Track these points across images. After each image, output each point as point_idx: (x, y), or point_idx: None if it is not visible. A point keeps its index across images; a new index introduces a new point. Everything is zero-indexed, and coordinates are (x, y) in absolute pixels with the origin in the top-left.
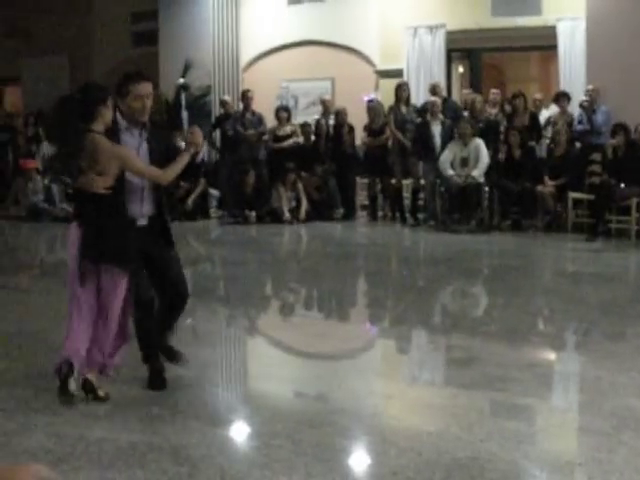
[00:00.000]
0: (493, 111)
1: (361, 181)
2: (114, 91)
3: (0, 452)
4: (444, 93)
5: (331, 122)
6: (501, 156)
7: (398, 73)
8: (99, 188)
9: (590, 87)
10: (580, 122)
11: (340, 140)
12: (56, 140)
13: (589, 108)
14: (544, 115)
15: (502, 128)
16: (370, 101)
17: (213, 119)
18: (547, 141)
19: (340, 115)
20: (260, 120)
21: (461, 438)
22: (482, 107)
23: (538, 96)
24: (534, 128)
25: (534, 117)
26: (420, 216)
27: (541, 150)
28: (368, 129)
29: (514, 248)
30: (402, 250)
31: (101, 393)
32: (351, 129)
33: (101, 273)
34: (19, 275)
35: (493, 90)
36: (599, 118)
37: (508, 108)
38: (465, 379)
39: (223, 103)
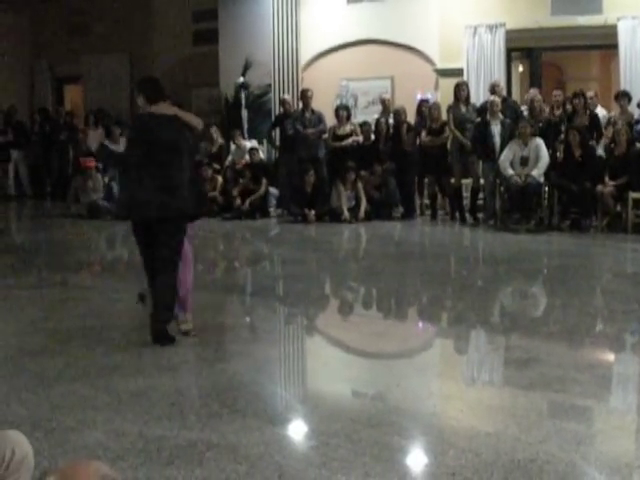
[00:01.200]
0: (557, 112)
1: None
2: None
3: (59, 449)
4: (504, 92)
5: (391, 121)
6: (559, 155)
7: (458, 72)
8: None
9: None
10: (638, 122)
11: (399, 139)
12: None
13: None
14: (600, 113)
15: (562, 128)
16: (424, 101)
17: (273, 118)
18: (606, 141)
19: (399, 114)
20: (320, 119)
21: (520, 439)
22: (541, 106)
23: (591, 94)
24: (594, 127)
25: (594, 117)
26: (480, 215)
27: (599, 150)
28: (428, 128)
29: (573, 248)
30: (461, 250)
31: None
32: (410, 128)
33: None
34: (79, 273)
35: (556, 92)
36: None
37: (568, 108)
38: (524, 380)
39: (283, 102)
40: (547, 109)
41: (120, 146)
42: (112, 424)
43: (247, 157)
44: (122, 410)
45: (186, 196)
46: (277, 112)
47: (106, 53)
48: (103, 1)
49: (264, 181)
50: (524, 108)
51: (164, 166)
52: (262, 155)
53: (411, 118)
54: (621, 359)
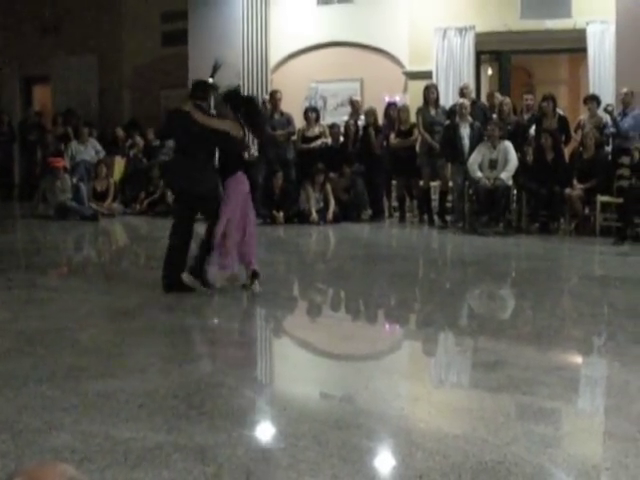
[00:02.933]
0: (526, 116)
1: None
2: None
3: (26, 450)
4: (473, 95)
5: (360, 123)
6: (529, 158)
7: (427, 75)
8: None
9: (625, 90)
10: (605, 126)
11: (369, 141)
12: None
13: (614, 112)
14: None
15: (531, 130)
16: (392, 104)
17: None
18: (575, 144)
19: (369, 116)
20: (288, 121)
21: (487, 441)
22: (510, 109)
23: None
24: (563, 131)
25: (563, 120)
26: (448, 218)
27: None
28: (396, 131)
29: (542, 251)
30: (429, 252)
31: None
32: (378, 130)
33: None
34: (47, 273)
35: (527, 95)
36: (628, 122)
37: (537, 111)
38: (492, 382)
39: (264, 103)
40: (522, 115)
41: (89, 146)
42: (79, 426)
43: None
44: (89, 412)
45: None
46: None
47: (75, 54)
48: (72, 2)
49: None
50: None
51: None
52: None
53: (382, 120)
54: (589, 362)
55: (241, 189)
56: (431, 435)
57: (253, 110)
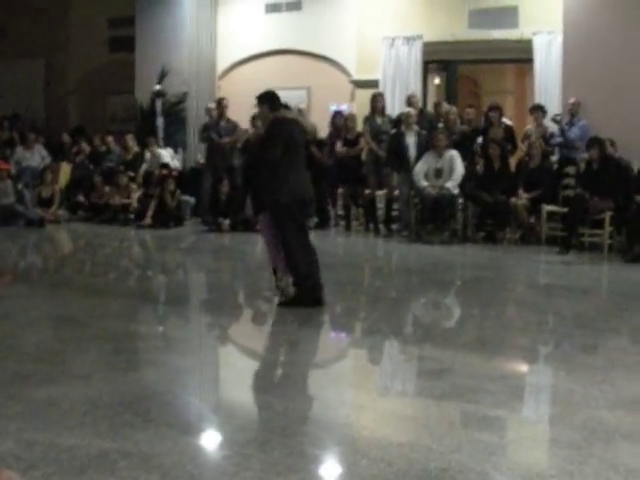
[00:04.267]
0: (466, 127)
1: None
2: None
3: None
4: (420, 104)
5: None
6: (479, 168)
7: (374, 83)
8: None
9: (572, 100)
10: (552, 136)
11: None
12: None
13: (561, 122)
14: None
15: (478, 140)
16: (338, 112)
17: (188, 126)
18: (521, 153)
19: (311, 132)
20: (235, 128)
21: (432, 449)
22: (456, 119)
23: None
24: (509, 140)
25: (509, 130)
26: (394, 227)
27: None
28: (343, 139)
29: (487, 260)
30: (375, 260)
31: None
32: (321, 145)
33: None
34: None
35: (468, 109)
36: (575, 132)
37: (485, 121)
38: (436, 390)
39: (209, 110)
40: (463, 126)
41: (35, 152)
42: (23, 433)
43: (165, 165)
44: (34, 419)
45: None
46: (194, 121)
47: (21, 58)
48: (19, 6)
49: (177, 190)
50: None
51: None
52: (177, 163)
53: (326, 128)
54: (534, 370)
55: None
56: (376, 443)
57: None
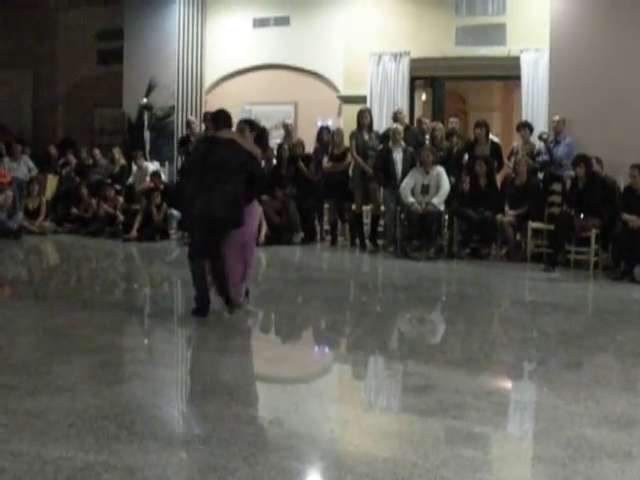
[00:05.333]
0: (453, 140)
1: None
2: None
3: None
4: (407, 120)
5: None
6: (465, 186)
7: (361, 99)
8: None
9: (557, 117)
10: (539, 153)
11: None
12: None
13: (548, 140)
14: None
15: (465, 157)
16: (324, 128)
17: (175, 140)
18: (508, 170)
19: (297, 146)
20: None
21: (417, 465)
22: (442, 135)
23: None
24: (495, 157)
25: (496, 146)
26: (380, 242)
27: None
28: (330, 154)
29: (473, 276)
30: (361, 276)
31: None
32: (309, 159)
33: None
34: None
35: (452, 118)
36: (561, 149)
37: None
38: (422, 406)
39: (188, 123)
40: (447, 139)
41: (21, 163)
42: (8, 445)
43: (148, 180)
44: (19, 431)
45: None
46: (181, 134)
47: (9, 70)
48: (7, 18)
49: (163, 203)
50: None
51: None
52: (164, 177)
53: (313, 144)
54: (518, 386)
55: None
56: (361, 458)
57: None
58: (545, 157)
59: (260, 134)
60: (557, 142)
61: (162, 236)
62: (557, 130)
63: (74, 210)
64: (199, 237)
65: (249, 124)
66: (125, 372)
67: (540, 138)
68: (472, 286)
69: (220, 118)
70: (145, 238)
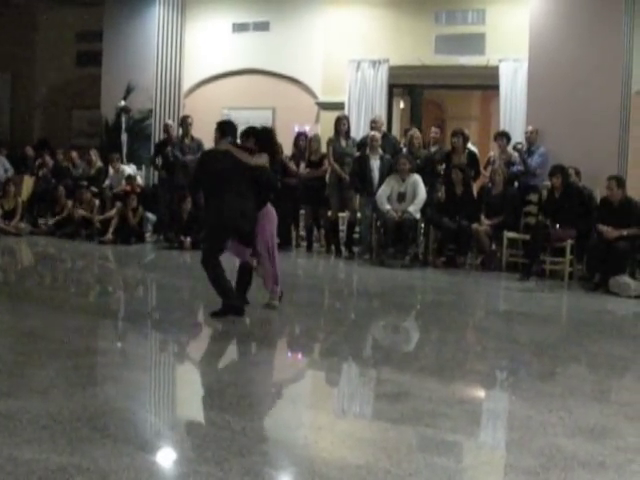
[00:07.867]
0: (432, 149)
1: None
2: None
3: None
4: (384, 128)
5: None
6: (441, 194)
7: (340, 106)
8: None
9: (530, 128)
10: (513, 163)
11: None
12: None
13: (522, 150)
14: None
15: (442, 165)
16: (301, 134)
17: (153, 143)
18: (485, 180)
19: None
20: (199, 146)
21: (390, 472)
22: (420, 143)
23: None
24: (472, 166)
25: (473, 156)
26: (355, 249)
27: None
28: (307, 160)
29: (447, 285)
30: (335, 282)
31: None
32: (285, 167)
33: None
34: None
35: (434, 129)
36: (535, 160)
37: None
38: (395, 413)
39: (166, 127)
40: (428, 148)
41: None
42: None
43: (124, 183)
44: None
45: None
46: (158, 137)
47: None
48: None
49: (139, 206)
50: (403, 144)
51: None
52: (140, 180)
53: (290, 149)
54: (492, 395)
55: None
56: (334, 464)
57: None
58: (520, 167)
59: (261, 138)
60: (531, 152)
61: (138, 239)
62: (530, 140)
63: (50, 214)
64: (222, 243)
65: (246, 134)
66: (99, 375)
67: (514, 148)
68: (447, 294)
69: (224, 128)
70: (121, 241)
